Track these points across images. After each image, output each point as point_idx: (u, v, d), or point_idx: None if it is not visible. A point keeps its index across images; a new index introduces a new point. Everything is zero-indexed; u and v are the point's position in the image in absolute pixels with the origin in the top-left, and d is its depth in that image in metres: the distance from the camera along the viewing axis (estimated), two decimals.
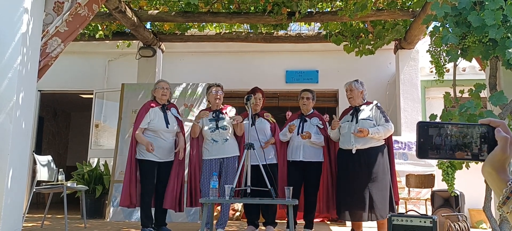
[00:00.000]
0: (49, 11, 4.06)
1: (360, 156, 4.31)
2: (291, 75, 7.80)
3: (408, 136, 6.60)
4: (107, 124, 7.59)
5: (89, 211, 6.13)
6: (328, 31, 6.84)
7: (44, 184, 5.32)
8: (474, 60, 3.76)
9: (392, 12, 6.07)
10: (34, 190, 5.01)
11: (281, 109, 7.75)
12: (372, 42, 6.46)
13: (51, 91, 8.06)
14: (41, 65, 4.04)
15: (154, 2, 6.66)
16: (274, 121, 5.03)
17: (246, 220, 5.04)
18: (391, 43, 6.89)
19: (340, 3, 6.26)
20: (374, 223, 4.49)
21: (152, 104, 4.66)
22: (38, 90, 7.67)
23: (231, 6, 6.49)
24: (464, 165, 3.48)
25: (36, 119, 7.73)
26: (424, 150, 0.88)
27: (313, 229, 4.74)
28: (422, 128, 0.89)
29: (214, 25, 7.42)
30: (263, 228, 4.84)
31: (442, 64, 3.82)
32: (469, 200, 5.74)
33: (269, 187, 4.07)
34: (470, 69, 6.82)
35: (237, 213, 6.53)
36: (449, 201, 5.21)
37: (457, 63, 3.79)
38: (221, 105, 4.79)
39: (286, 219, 4.12)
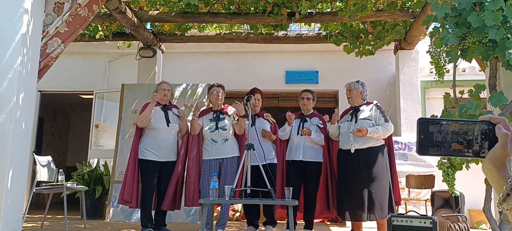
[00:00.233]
0: (49, 11, 4.06)
1: (359, 155, 4.32)
2: (291, 75, 7.80)
3: (408, 136, 6.61)
4: (107, 124, 7.59)
5: (89, 211, 6.13)
6: (328, 31, 6.85)
7: (44, 184, 5.32)
8: (474, 61, 3.76)
9: (392, 13, 6.08)
10: (34, 190, 5.01)
11: (281, 110, 7.74)
12: (372, 43, 6.46)
13: (51, 91, 8.07)
14: (41, 65, 4.04)
15: (154, 3, 6.66)
16: (274, 121, 5.03)
17: (246, 220, 5.04)
18: (391, 44, 6.89)
19: (340, 4, 6.26)
20: (374, 223, 4.49)
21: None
22: (38, 91, 7.67)
23: (231, 7, 6.49)
24: (464, 166, 3.48)
25: (36, 119, 7.73)
26: (424, 146, 0.88)
27: (313, 230, 4.74)
28: (423, 124, 0.88)
29: (214, 26, 7.43)
30: (263, 228, 4.84)
31: (442, 65, 3.83)
32: (469, 200, 5.74)
33: (269, 187, 4.07)
34: (470, 70, 6.82)
35: (237, 214, 6.53)
36: (449, 202, 5.22)
37: (457, 64, 3.80)
38: (222, 106, 4.80)
39: (286, 219, 4.12)
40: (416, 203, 6.18)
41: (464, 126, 0.87)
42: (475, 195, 5.29)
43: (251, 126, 4.77)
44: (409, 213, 3.61)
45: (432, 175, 5.96)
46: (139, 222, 5.07)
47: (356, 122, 4.40)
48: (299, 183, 4.61)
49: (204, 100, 6.37)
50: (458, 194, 5.10)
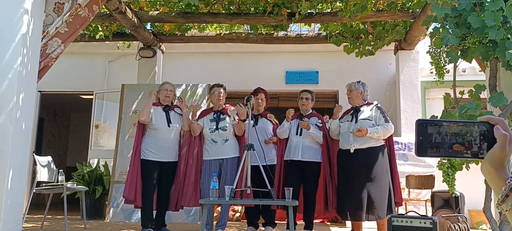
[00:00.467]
0: (49, 12, 4.06)
1: (359, 155, 4.32)
2: (291, 76, 7.80)
3: (408, 136, 6.61)
4: (107, 125, 7.59)
5: (89, 211, 6.13)
6: (328, 32, 6.85)
7: (44, 184, 5.33)
8: (474, 61, 3.76)
9: (392, 13, 6.08)
10: (34, 190, 5.01)
11: (281, 110, 7.74)
12: (372, 43, 6.46)
13: (51, 92, 8.06)
14: (41, 66, 4.04)
15: (154, 3, 6.66)
16: (277, 122, 5.03)
17: (246, 221, 5.04)
18: (391, 44, 6.89)
19: (340, 4, 6.27)
20: (374, 224, 4.49)
21: (154, 104, 4.67)
22: (38, 91, 7.67)
23: (231, 7, 6.49)
24: (464, 166, 3.48)
25: (36, 119, 7.73)
26: (423, 147, 0.88)
27: (313, 230, 4.74)
28: (421, 125, 0.88)
29: (214, 26, 7.43)
30: (263, 228, 4.84)
31: (442, 65, 3.83)
32: (469, 201, 5.74)
33: (269, 188, 4.07)
34: (470, 70, 6.82)
35: (237, 214, 6.53)
36: (449, 202, 5.22)
37: (457, 64, 3.80)
38: (223, 106, 4.80)
39: (286, 220, 4.12)
40: (416, 203, 6.18)
41: (463, 127, 0.87)
42: (475, 196, 5.29)
43: (253, 126, 4.77)
44: (409, 213, 3.61)
45: (432, 175, 5.96)
46: (139, 222, 5.08)
47: (356, 122, 4.40)
48: (298, 183, 4.60)
49: (202, 103, 6.39)
50: (458, 194, 5.10)
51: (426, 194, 6.08)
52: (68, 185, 5.22)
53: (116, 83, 7.22)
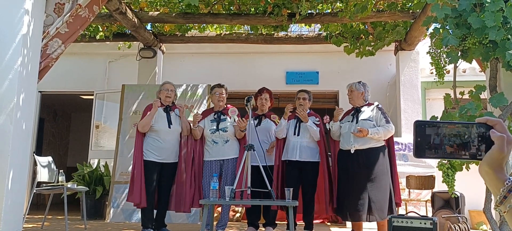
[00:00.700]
0: (50, 12, 4.06)
1: (359, 156, 4.32)
2: (292, 76, 7.80)
3: (408, 137, 6.60)
4: (108, 125, 7.59)
5: (89, 212, 6.13)
6: (328, 32, 6.85)
7: (44, 185, 5.33)
8: (474, 61, 3.76)
9: (393, 14, 6.08)
10: (35, 191, 5.01)
11: (281, 111, 7.74)
12: (372, 44, 6.46)
13: (52, 92, 8.07)
14: (42, 66, 4.05)
15: (155, 4, 6.66)
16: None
17: (246, 221, 5.04)
18: (392, 45, 6.89)
19: (341, 5, 6.27)
20: (374, 224, 4.49)
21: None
22: (39, 91, 7.67)
23: (231, 8, 6.49)
24: (464, 166, 3.48)
25: (37, 120, 7.73)
26: (421, 149, 0.88)
27: (313, 230, 4.74)
28: (419, 127, 0.88)
29: (214, 26, 7.43)
30: (263, 229, 4.84)
31: (442, 65, 3.83)
32: (469, 201, 5.74)
33: (270, 188, 4.07)
34: (470, 71, 6.82)
35: (237, 214, 6.53)
36: (449, 203, 5.21)
37: (457, 64, 3.80)
38: (224, 106, 4.79)
39: (286, 220, 4.12)
40: (416, 204, 6.17)
41: (461, 128, 0.87)
42: (475, 196, 5.29)
43: (256, 126, 4.77)
44: (409, 214, 3.61)
45: (432, 175, 5.96)
46: (139, 223, 5.08)
47: (357, 123, 4.40)
48: (297, 183, 4.58)
49: (202, 103, 6.39)
50: (458, 194, 5.09)
51: (426, 194, 6.08)
52: (69, 185, 5.23)
53: (117, 83, 7.23)
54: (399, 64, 7.09)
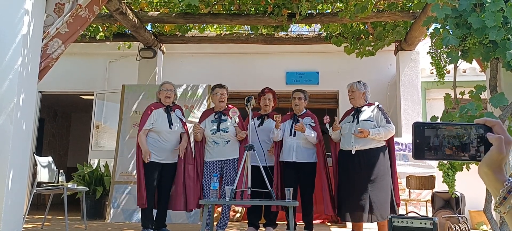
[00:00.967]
0: (50, 12, 4.06)
1: (360, 156, 4.31)
2: (292, 76, 7.80)
3: (409, 137, 6.60)
4: (108, 125, 7.59)
5: (89, 212, 6.13)
6: (328, 32, 6.84)
7: (44, 185, 5.33)
8: (474, 61, 3.76)
9: (393, 14, 6.08)
10: (35, 191, 5.01)
11: (281, 111, 7.73)
12: (372, 44, 6.46)
13: (52, 92, 8.07)
14: (42, 66, 4.05)
15: (155, 4, 6.66)
16: None
17: (246, 221, 5.04)
18: (392, 45, 6.89)
19: (341, 5, 6.26)
20: (374, 225, 4.49)
21: (156, 106, 4.67)
22: (39, 92, 7.67)
23: (231, 8, 6.49)
24: (464, 167, 3.48)
25: (37, 120, 7.73)
26: (420, 150, 0.88)
27: (313, 230, 4.73)
28: (418, 128, 0.88)
29: (214, 27, 7.43)
30: (263, 229, 4.84)
31: (442, 65, 3.83)
32: (469, 201, 5.73)
33: (270, 188, 4.07)
34: (470, 71, 6.82)
35: (238, 215, 6.53)
36: (449, 203, 5.21)
37: (457, 64, 3.80)
38: (225, 106, 4.79)
39: (286, 220, 4.12)
40: (416, 204, 6.17)
41: (460, 129, 0.87)
42: (476, 196, 5.29)
43: (258, 126, 4.77)
44: (409, 214, 3.61)
45: (432, 176, 5.96)
46: (139, 223, 5.08)
47: (357, 123, 4.40)
48: (294, 184, 4.56)
49: (203, 103, 6.40)
50: (459, 195, 5.09)
51: (426, 194, 6.08)
52: (69, 186, 5.23)
53: (117, 83, 7.23)
54: (399, 64, 7.09)
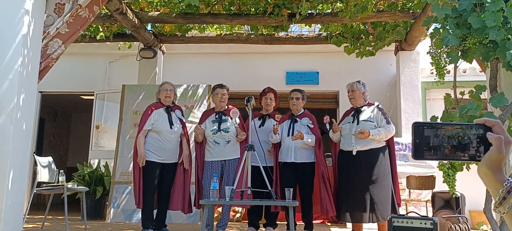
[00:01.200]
0: (50, 12, 4.06)
1: (361, 157, 4.31)
2: (292, 76, 7.79)
3: (409, 137, 6.60)
4: (108, 125, 7.60)
5: (89, 212, 6.13)
6: (328, 32, 6.84)
7: (44, 185, 5.33)
8: (474, 61, 3.76)
9: (393, 14, 6.08)
10: (35, 191, 5.01)
11: (281, 111, 7.73)
12: (372, 44, 6.46)
13: (52, 92, 8.07)
14: (42, 66, 4.05)
15: (155, 4, 6.66)
16: None
17: (247, 221, 5.04)
18: (392, 45, 6.89)
19: (341, 5, 6.26)
20: (374, 225, 4.48)
21: (156, 106, 4.68)
22: (39, 92, 7.67)
23: (231, 8, 6.49)
24: (464, 167, 3.48)
25: (37, 120, 7.74)
26: (420, 151, 0.88)
27: (313, 230, 4.73)
28: (418, 128, 0.88)
29: (214, 27, 7.43)
30: (263, 229, 4.84)
31: (442, 65, 3.83)
32: (469, 201, 5.73)
33: (270, 188, 4.07)
34: (470, 71, 6.82)
35: (238, 215, 6.53)
36: (449, 203, 5.21)
37: (457, 64, 3.79)
38: (226, 107, 4.79)
39: (286, 220, 4.12)
40: (416, 204, 6.17)
41: (460, 129, 0.87)
42: (476, 196, 5.29)
43: (260, 126, 4.77)
44: (409, 214, 3.61)
45: (432, 176, 5.96)
46: (139, 223, 5.08)
47: (357, 124, 4.39)
48: (293, 184, 4.54)
49: (203, 103, 6.40)
50: (459, 195, 5.09)
51: (426, 194, 6.08)
52: (69, 186, 5.23)
53: (117, 84, 7.23)
54: (399, 64, 7.09)
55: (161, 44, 7.49)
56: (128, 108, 6.51)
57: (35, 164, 5.11)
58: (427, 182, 5.91)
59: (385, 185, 4.27)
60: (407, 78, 7.02)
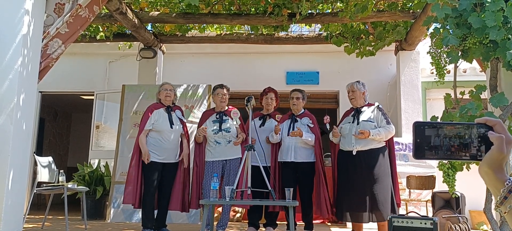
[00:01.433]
0: (50, 12, 4.06)
1: (361, 157, 4.30)
2: (292, 76, 7.79)
3: (409, 137, 6.60)
4: (108, 125, 7.59)
5: (89, 212, 6.13)
6: (328, 32, 6.84)
7: (44, 185, 5.33)
8: (474, 61, 3.76)
9: (393, 14, 6.07)
10: (35, 191, 5.01)
11: (281, 111, 7.73)
12: (372, 44, 6.46)
13: (52, 92, 8.08)
14: (42, 66, 4.05)
15: (155, 4, 6.66)
16: None
17: (247, 221, 5.04)
18: (392, 45, 6.88)
19: (341, 5, 6.26)
20: (374, 225, 4.48)
21: (156, 106, 4.68)
22: (39, 92, 7.67)
23: (231, 8, 6.49)
24: (464, 166, 3.48)
25: (37, 120, 7.74)
26: (420, 150, 0.87)
27: (313, 230, 4.73)
28: (418, 128, 0.88)
29: (214, 27, 7.43)
30: (264, 229, 4.84)
31: (442, 65, 3.83)
32: (469, 201, 5.73)
33: (270, 188, 4.07)
34: (470, 71, 6.82)
35: (238, 215, 6.53)
36: (449, 203, 5.21)
37: (457, 64, 3.79)
38: (226, 107, 4.79)
39: (286, 220, 4.12)
40: (416, 204, 6.17)
41: (460, 129, 0.87)
42: (476, 196, 5.28)
43: (260, 126, 4.77)
44: (409, 214, 3.61)
45: (432, 176, 5.95)
46: (139, 223, 5.08)
47: (358, 124, 4.39)
48: (293, 184, 4.54)
49: (203, 103, 6.39)
50: (459, 195, 5.09)
51: (426, 194, 6.08)
52: (69, 186, 5.23)
53: (117, 83, 7.23)
54: (399, 64, 7.09)
55: (161, 44, 7.49)
56: (128, 109, 6.52)
57: (35, 164, 5.11)
58: (427, 182, 5.90)
59: (385, 185, 4.27)
60: (407, 78, 7.02)
